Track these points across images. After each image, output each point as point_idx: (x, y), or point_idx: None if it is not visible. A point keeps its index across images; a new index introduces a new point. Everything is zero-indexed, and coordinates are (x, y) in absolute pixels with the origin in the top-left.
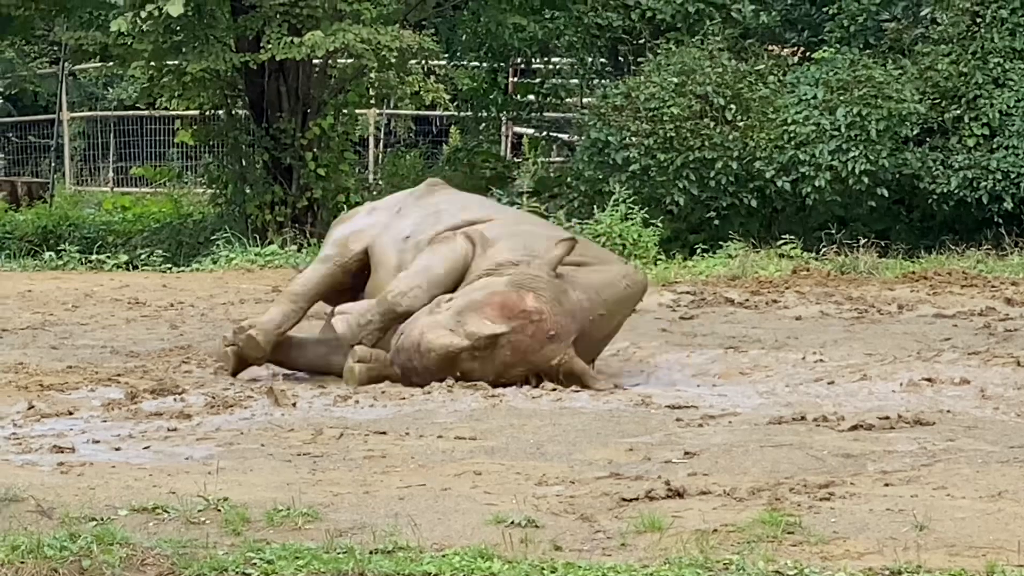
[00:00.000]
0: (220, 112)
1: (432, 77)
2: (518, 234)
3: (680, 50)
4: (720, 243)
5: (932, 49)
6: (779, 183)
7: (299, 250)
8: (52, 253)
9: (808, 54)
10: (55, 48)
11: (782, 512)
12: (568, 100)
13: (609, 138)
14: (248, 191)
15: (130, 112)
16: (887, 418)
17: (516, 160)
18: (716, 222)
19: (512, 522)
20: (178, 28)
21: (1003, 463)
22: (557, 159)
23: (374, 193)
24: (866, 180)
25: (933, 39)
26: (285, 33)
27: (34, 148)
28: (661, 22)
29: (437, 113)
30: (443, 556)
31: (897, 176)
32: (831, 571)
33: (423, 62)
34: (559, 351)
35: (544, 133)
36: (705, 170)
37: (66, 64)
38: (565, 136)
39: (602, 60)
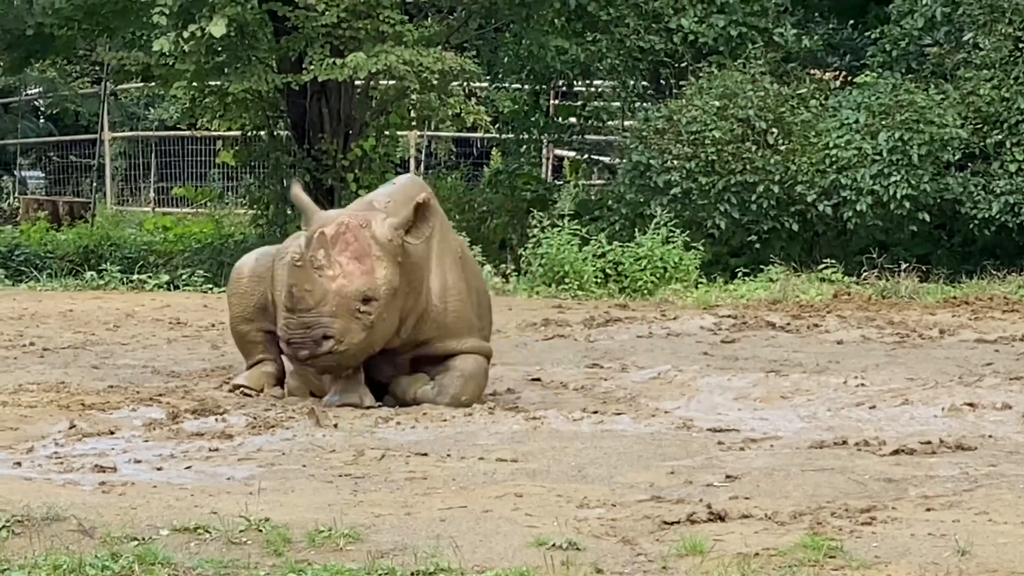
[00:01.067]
0: (262, 133)
1: (473, 99)
2: None
3: (722, 74)
4: (761, 267)
5: (974, 74)
6: (820, 207)
7: None
8: (93, 273)
9: (850, 78)
10: (97, 68)
11: (824, 536)
12: (610, 123)
13: (651, 161)
14: (289, 212)
15: (171, 132)
16: (929, 443)
17: (557, 182)
18: (757, 246)
19: (553, 544)
20: (220, 49)
21: None
22: (598, 182)
23: None
24: (907, 205)
25: (975, 64)
26: (328, 54)
27: (75, 168)
28: (703, 45)
29: (478, 135)
30: None
31: (938, 201)
32: None
33: (465, 84)
34: None
35: (585, 156)
36: (746, 194)
37: (108, 84)
38: (606, 159)
39: (644, 83)
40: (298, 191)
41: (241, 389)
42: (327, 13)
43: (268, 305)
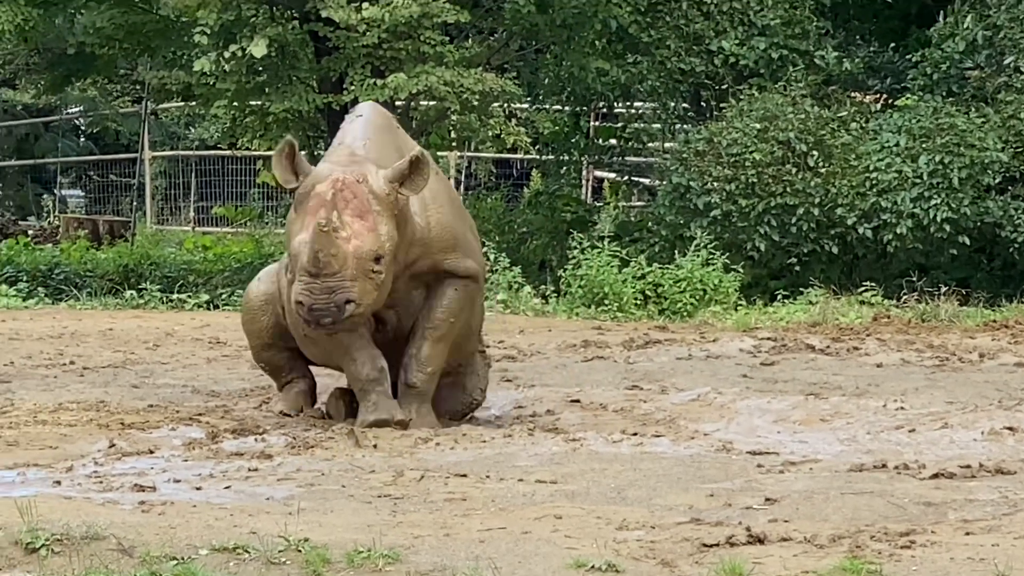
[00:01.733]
0: (303, 153)
1: (514, 120)
2: None
3: (763, 96)
4: (801, 289)
5: (1015, 98)
6: (860, 230)
7: None
8: (133, 292)
9: (891, 101)
10: (138, 87)
11: (863, 560)
12: (650, 144)
13: (691, 183)
14: None
15: (212, 152)
16: (968, 467)
17: (597, 204)
18: (797, 268)
19: (593, 566)
20: (261, 69)
21: None
22: (638, 203)
23: None
24: (947, 228)
25: (1016, 88)
26: (368, 75)
27: (116, 187)
28: (744, 68)
29: (518, 156)
30: None
31: (979, 224)
32: None
33: (505, 105)
34: None
35: (625, 177)
36: (786, 216)
37: (149, 103)
38: (646, 180)
39: (684, 105)
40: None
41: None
42: (368, 34)
43: (281, 321)
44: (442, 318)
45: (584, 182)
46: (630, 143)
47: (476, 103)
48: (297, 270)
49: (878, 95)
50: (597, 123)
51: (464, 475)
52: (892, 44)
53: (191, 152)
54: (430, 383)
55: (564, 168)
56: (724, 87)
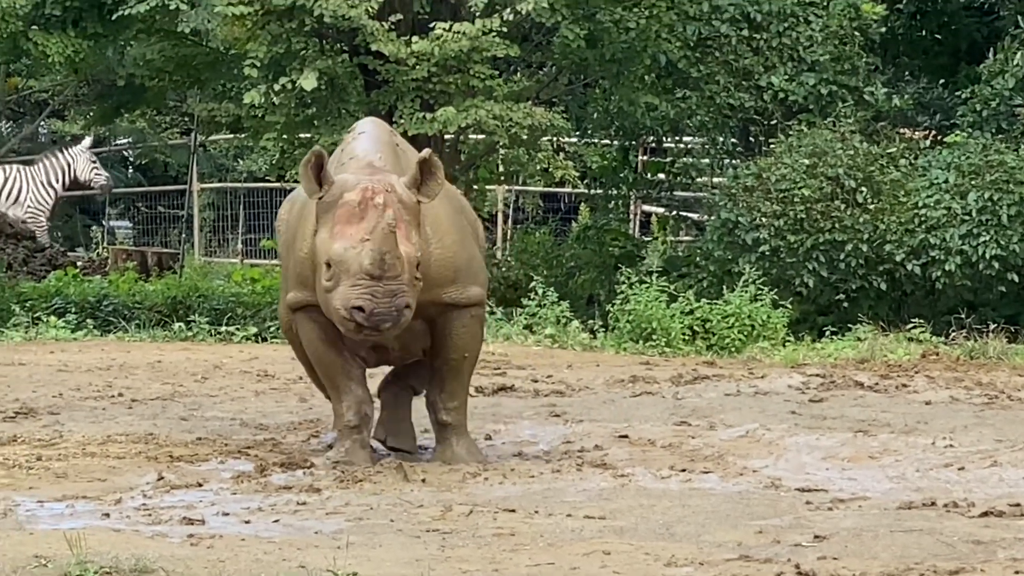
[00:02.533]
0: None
1: (562, 154)
2: None
3: (812, 132)
4: (849, 326)
5: None
6: (909, 266)
7: None
8: (182, 324)
9: (940, 138)
10: (187, 119)
11: None
12: (699, 179)
13: (739, 218)
14: None
15: (260, 184)
16: (1018, 505)
17: (645, 239)
18: (845, 304)
19: None
20: (311, 101)
21: None
22: (686, 238)
23: (503, 270)
24: (996, 265)
25: None
26: (418, 109)
27: (164, 218)
28: (793, 103)
29: (566, 190)
30: None
31: None
32: None
33: (554, 139)
34: None
35: (673, 212)
36: (835, 252)
37: (197, 135)
38: (695, 215)
39: (733, 140)
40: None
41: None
42: (418, 67)
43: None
44: (457, 354)
45: (632, 217)
46: (679, 178)
47: (525, 137)
48: (350, 276)
49: (927, 131)
50: (646, 158)
51: (513, 510)
52: (942, 80)
53: (239, 184)
54: (461, 414)
55: (612, 202)
56: (773, 123)
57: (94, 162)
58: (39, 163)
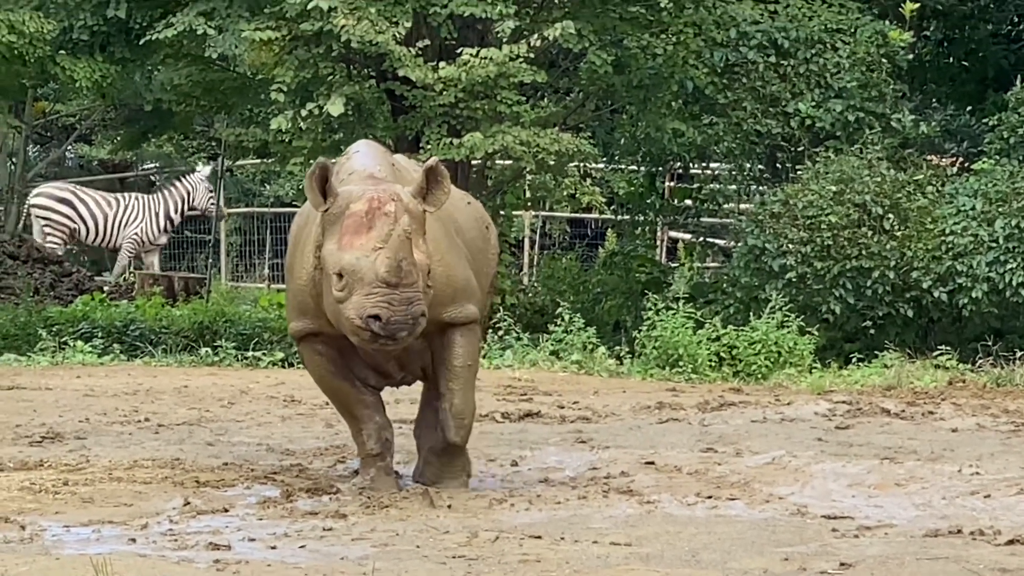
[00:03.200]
0: None
1: (589, 180)
2: None
3: (839, 158)
4: (876, 352)
5: None
6: (936, 293)
7: None
8: (208, 349)
9: (967, 165)
10: (213, 144)
11: None
12: (725, 206)
13: (766, 245)
14: None
15: (287, 209)
16: None
17: (672, 265)
18: (872, 331)
19: None
20: (338, 127)
21: None
22: (713, 265)
23: (529, 295)
24: (1023, 292)
25: None
26: (445, 134)
27: (191, 243)
28: (820, 130)
29: (593, 216)
30: None
31: None
32: None
33: (580, 165)
34: None
35: (700, 238)
36: (862, 279)
37: (224, 160)
38: (721, 242)
39: (760, 167)
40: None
41: None
42: (445, 93)
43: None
44: (460, 368)
45: (659, 243)
46: (705, 204)
47: (552, 163)
48: (364, 285)
49: (954, 159)
50: (673, 184)
51: (539, 536)
52: (969, 108)
53: (266, 209)
54: (469, 433)
55: (639, 228)
56: (800, 149)
57: (211, 190)
58: (159, 192)
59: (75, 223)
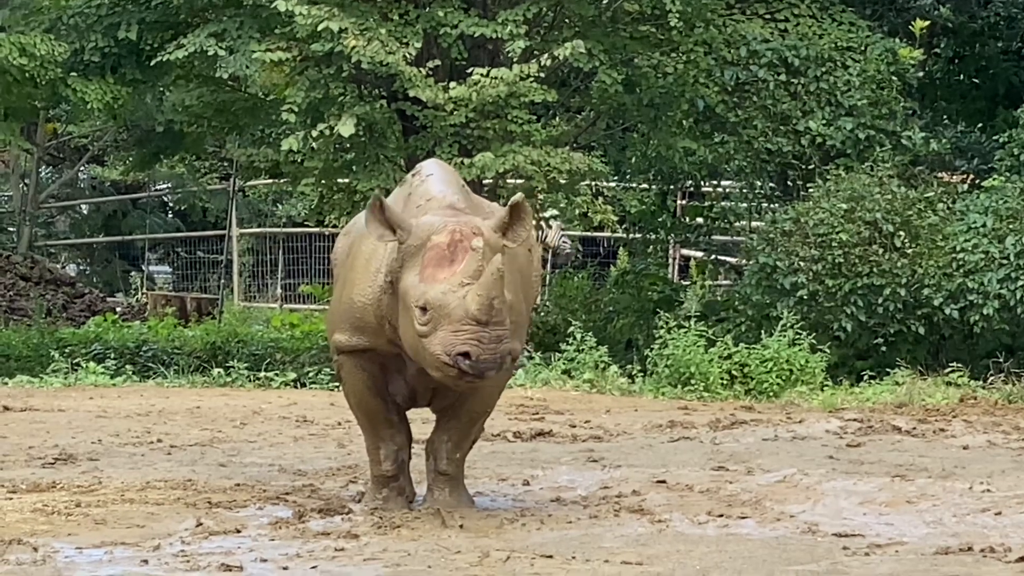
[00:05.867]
0: None
1: (600, 198)
2: None
3: (849, 176)
4: (887, 370)
5: None
6: (947, 311)
7: None
8: (221, 370)
9: (978, 182)
10: (226, 164)
11: None
12: (736, 224)
13: (777, 263)
14: None
15: (299, 229)
16: None
17: (683, 283)
18: (883, 349)
19: None
20: (349, 147)
21: None
22: (724, 282)
23: (541, 314)
24: None
25: None
26: (456, 154)
27: (203, 263)
28: (831, 148)
29: (605, 234)
30: None
31: None
32: None
33: (592, 184)
34: None
35: (712, 256)
36: (873, 296)
37: (236, 180)
38: (732, 260)
39: (771, 185)
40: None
41: None
42: (456, 113)
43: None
44: (481, 408)
45: (671, 261)
46: (717, 222)
47: (563, 182)
48: (453, 322)
49: (965, 176)
50: (684, 202)
51: (550, 556)
52: (979, 125)
53: (278, 229)
54: (459, 468)
55: (651, 247)
56: (811, 167)
57: (564, 229)
58: None
59: None
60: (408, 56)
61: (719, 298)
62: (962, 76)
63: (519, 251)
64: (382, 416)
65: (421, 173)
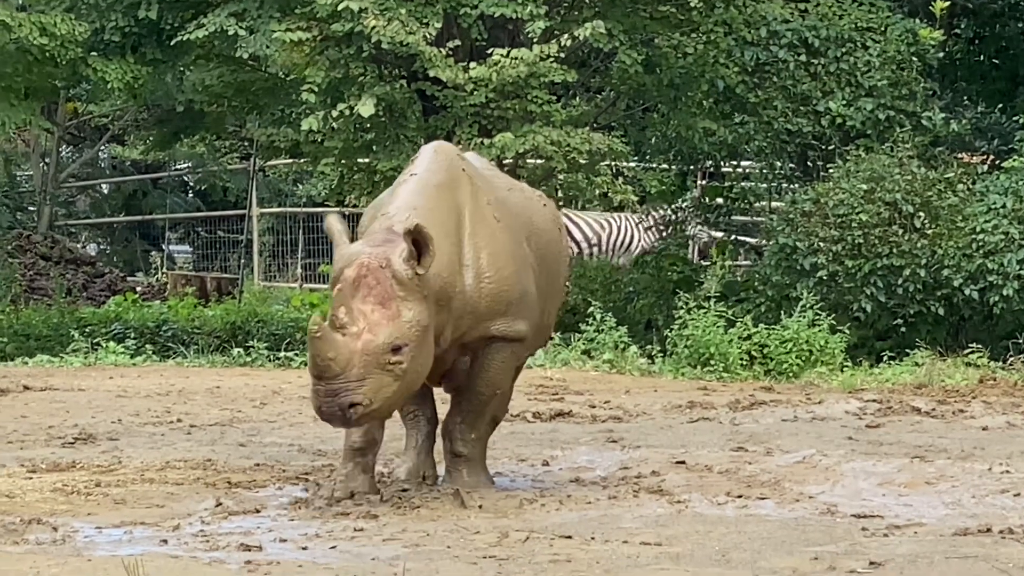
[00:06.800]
0: None
1: (620, 179)
2: None
3: (870, 157)
4: (907, 351)
5: None
6: (967, 291)
7: None
8: (240, 349)
9: (998, 162)
10: (246, 144)
11: None
12: (756, 205)
13: (797, 244)
14: None
15: (319, 209)
16: None
17: (703, 264)
18: (903, 329)
19: None
20: (369, 127)
21: None
22: (744, 263)
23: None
24: None
25: None
26: (476, 134)
27: (223, 243)
28: (851, 129)
29: (625, 215)
30: None
31: None
32: None
33: (612, 164)
34: None
35: (732, 237)
36: (893, 277)
37: (257, 160)
38: (752, 240)
39: (791, 165)
40: (332, 220)
41: None
42: (476, 93)
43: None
44: (489, 390)
45: (691, 241)
46: (737, 203)
47: (583, 162)
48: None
49: (985, 156)
50: (704, 182)
51: (569, 536)
52: (999, 105)
53: (298, 209)
54: (476, 448)
55: (670, 227)
56: (831, 148)
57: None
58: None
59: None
60: (428, 36)
61: (739, 279)
62: (982, 56)
63: (547, 226)
64: None
65: (410, 168)
